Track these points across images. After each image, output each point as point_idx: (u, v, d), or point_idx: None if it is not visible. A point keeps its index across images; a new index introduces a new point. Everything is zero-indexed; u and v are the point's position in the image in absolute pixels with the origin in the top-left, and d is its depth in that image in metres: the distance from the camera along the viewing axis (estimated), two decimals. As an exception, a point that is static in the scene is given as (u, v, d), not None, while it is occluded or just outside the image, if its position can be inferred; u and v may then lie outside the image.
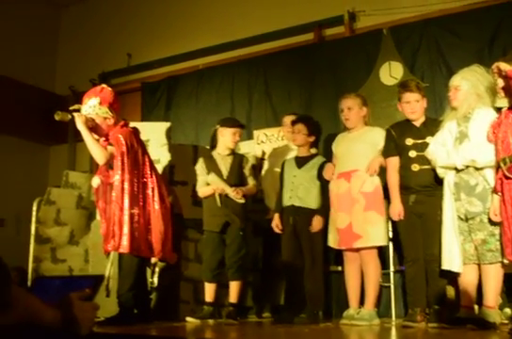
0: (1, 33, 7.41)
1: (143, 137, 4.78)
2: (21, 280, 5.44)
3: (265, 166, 5.11)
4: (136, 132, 4.00)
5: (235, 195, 4.21)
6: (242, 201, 4.25)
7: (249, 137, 5.72)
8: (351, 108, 4.28)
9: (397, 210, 3.90)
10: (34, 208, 5.41)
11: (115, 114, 3.89)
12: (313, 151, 4.54)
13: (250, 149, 5.44)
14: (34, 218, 5.40)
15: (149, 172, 3.95)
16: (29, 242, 5.37)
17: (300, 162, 4.46)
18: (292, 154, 4.70)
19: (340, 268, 4.72)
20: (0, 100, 7.25)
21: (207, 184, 4.34)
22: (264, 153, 5.40)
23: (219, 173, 4.31)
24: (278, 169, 4.74)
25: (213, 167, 4.36)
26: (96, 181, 3.96)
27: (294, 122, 4.52)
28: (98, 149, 3.75)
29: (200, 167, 4.41)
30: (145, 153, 4.01)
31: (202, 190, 4.38)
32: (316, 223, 4.24)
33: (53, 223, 5.51)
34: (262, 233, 4.90)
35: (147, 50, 7.39)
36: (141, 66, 7.48)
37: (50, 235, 5.47)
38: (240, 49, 6.72)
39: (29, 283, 5.05)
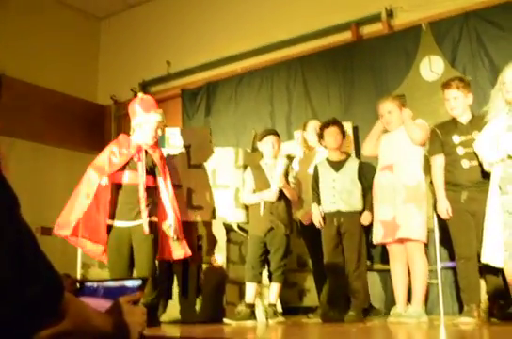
0: (42, 47, 7.56)
1: (184, 142, 4.83)
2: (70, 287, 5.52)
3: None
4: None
5: (279, 183, 4.25)
6: (281, 184, 4.26)
7: (290, 138, 5.69)
8: (391, 112, 4.30)
9: (444, 206, 3.85)
10: (80, 216, 5.47)
11: None
12: (344, 153, 4.59)
13: (291, 150, 5.41)
14: (80, 226, 5.47)
15: None
16: (77, 250, 5.45)
17: (336, 166, 4.46)
18: (314, 159, 4.75)
19: (382, 267, 4.69)
20: (44, 112, 7.40)
21: (253, 192, 4.42)
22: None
23: (266, 181, 4.36)
24: (304, 175, 4.75)
25: (259, 175, 4.42)
26: None
27: (328, 126, 4.51)
28: None
29: (248, 175, 4.50)
30: None
31: (248, 199, 4.48)
32: (367, 217, 4.27)
33: (98, 230, 5.57)
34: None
35: (185, 57, 7.44)
36: (180, 73, 7.52)
37: (96, 242, 5.53)
38: (277, 51, 6.68)
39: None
